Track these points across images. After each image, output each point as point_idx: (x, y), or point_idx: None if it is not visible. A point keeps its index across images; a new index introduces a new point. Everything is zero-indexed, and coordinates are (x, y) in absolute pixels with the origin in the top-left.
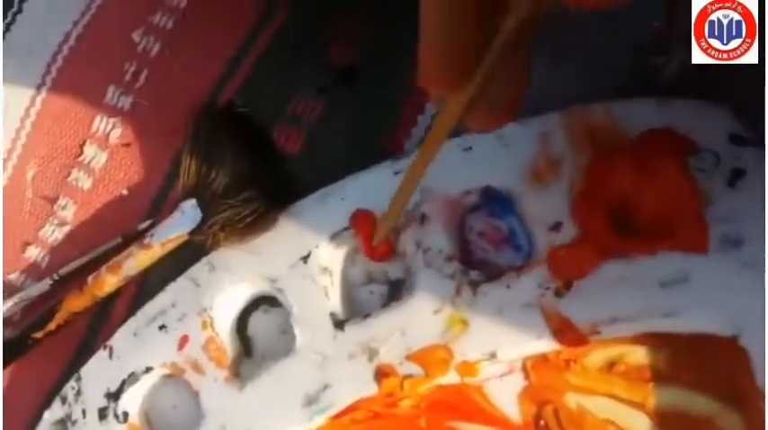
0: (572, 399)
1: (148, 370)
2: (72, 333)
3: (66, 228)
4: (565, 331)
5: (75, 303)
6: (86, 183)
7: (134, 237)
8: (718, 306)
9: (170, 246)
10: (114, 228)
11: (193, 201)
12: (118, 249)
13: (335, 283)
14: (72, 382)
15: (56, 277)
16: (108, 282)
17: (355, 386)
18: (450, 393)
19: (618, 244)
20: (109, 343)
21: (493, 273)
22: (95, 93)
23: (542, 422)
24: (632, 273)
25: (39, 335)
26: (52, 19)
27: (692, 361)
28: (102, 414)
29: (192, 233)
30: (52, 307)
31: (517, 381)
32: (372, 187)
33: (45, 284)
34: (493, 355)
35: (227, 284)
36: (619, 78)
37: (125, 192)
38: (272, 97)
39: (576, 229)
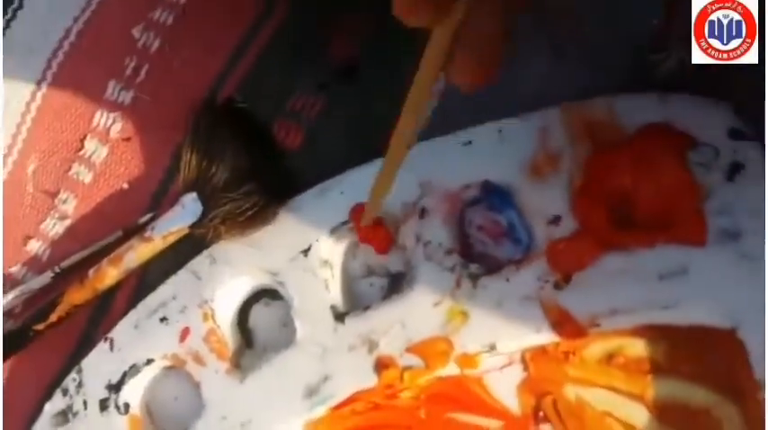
0: (571, 391)
1: (149, 361)
2: (73, 325)
3: (67, 222)
4: (564, 323)
5: (77, 296)
6: (87, 177)
7: (135, 231)
8: (716, 298)
9: (171, 239)
10: (115, 222)
11: (194, 195)
12: (119, 243)
13: (336, 276)
14: (73, 374)
15: (57, 270)
16: (109, 274)
17: (355, 377)
18: (450, 385)
19: (617, 237)
20: (110, 335)
21: (492, 267)
22: (96, 88)
23: (541, 413)
24: (631, 266)
25: (40, 327)
26: (53, 15)
27: (690, 353)
28: (104, 405)
29: (192, 226)
30: (53, 299)
31: (516, 373)
32: (371, 181)
33: (46, 277)
34: (492, 347)
35: (227, 277)
36: (618, 75)
37: (126, 186)
38: (272, 93)
39: (576, 223)
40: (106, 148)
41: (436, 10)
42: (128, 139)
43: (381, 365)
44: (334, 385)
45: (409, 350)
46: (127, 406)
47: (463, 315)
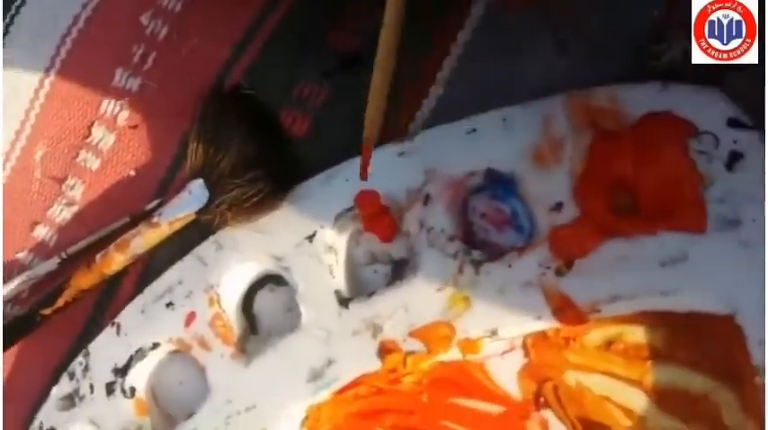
0: (571, 377)
1: (155, 346)
2: (80, 310)
3: (75, 208)
4: (565, 309)
5: (83, 280)
6: (95, 163)
7: (142, 217)
8: (715, 285)
9: (177, 225)
10: (122, 208)
11: (201, 181)
12: (126, 229)
13: (340, 262)
14: (80, 358)
15: (64, 256)
16: (116, 259)
17: (359, 362)
18: (452, 370)
19: (618, 224)
20: (117, 320)
21: (495, 253)
22: (104, 75)
23: (542, 399)
24: (632, 253)
25: (47, 311)
26: (61, 1)
27: (688, 339)
28: (110, 389)
29: (199, 212)
30: (60, 284)
31: (518, 359)
32: (376, 168)
33: (53, 263)
34: (494, 333)
35: (233, 262)
36: (620, 66)
37: (133, 172)
38: (278, 81)
39: (577, 210)
40: (113, 135)
41: None
42: (135, 127)
43: (385, 350)
44: (338, 369)
45: (412, 334)
46: (133, 389)
47: (465, 301)
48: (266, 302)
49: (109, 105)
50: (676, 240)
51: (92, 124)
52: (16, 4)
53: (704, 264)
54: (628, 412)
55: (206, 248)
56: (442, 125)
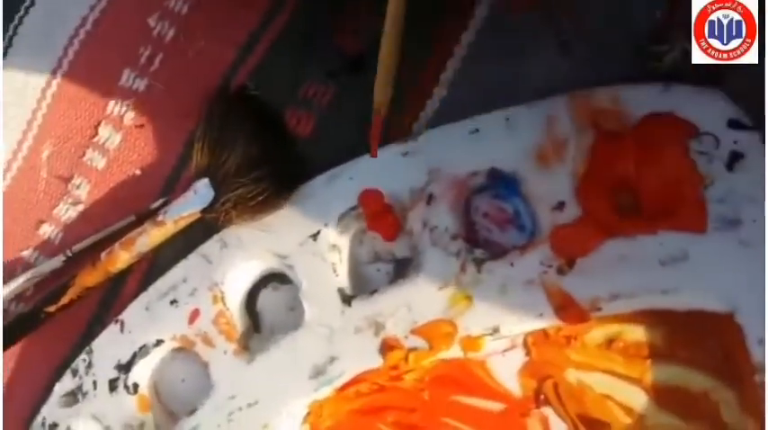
0: (572, 375)
1: (159, 343)
2: (84, 308)
3: (80, 207)
4: (566, 307)
5: (88, 278)
6: (101, 162)
7: (147, 216)
8: (715, 283)
9: (183, 224)
10: (127, 207)
11: (206, 181)
12: (131, 227)
13: (344, 260)
14: (83, 355)
15: (69, 254)
16: (121, 258)
17: (361, 359)
18: (454, 367)
19: (620, 223)
20: (120, 317)
21: (497, 252)
22: (111, 75)
23: (542, 396)
24: (633, 252)
25: (51, 309)
26: (69, 3)
27: (688, 338)
28: (113, 385)
29: (204, 211)
30: (65, 282)
31: (519, 357)
32: (380, 167)
33: (58, 261)
34: (496, 330)
35: (238, 261)
36: (622, 67)
37: (138, 172)
38: (283, 81)
39: (579, 209)
40: (120, 135)
41: None
42: (141, 126)
43: (387, 347)
44: (340, 366)
45: (414, 332)
46: (136, 386)
47: (467, 299)
48: (269, 301)
49: (116, 105)
50: (677, 240)
51: (98, 124)
52: (25, 5)
53: (704, 264)
54: (628, 410)
55: (211, 246)
56: (445, 125)
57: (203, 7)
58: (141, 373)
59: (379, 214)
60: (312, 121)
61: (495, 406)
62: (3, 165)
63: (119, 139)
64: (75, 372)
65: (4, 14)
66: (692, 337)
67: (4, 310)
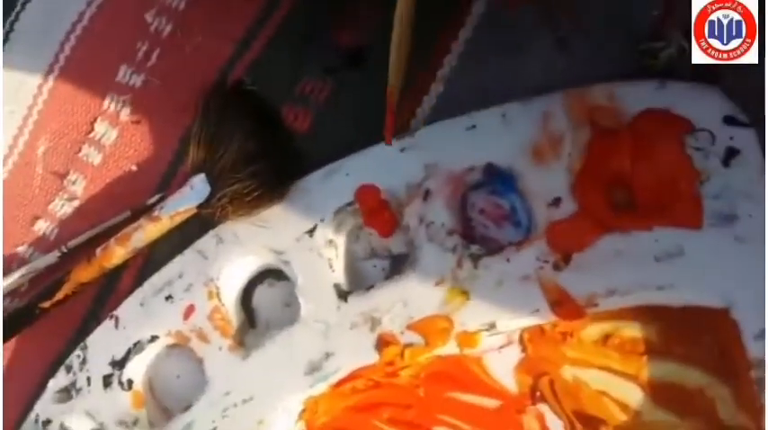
0: (568, 371)
1: (154, 338)
2: (79, 304)
3: (76, 203)
4: (562, 303)
5: (83, 274)
6: (97, 158)
7: (143, 212)
8: (710, 279)
9: (178, 219)
10: (123, 203)
11: (202, 176)
12: (126, 223)
13: (340, 256)
14: (78, 351)
15: (64, 250)
16: (116, 253)
17: (357, 354)
18: (450, 364)
19: (615, 219)
20: (115, 313)
21: (493, 248)
22: (107, 71)
23: (538, 393)
24: (629, 247)
25: (46, 305)
26: None
27: (684, 334)
28: (107, 381)
29: (200, 206)
30: (60, 277)
31: (514, 354)
32: (377, 163)
33: (53, 256)
34: (492, 326)
35: (234, 256)
36: (618, 63)
37: (134, 167)
38: (281, 77)
39: (575, 205)
40: (116, 131)
41: None
42: (137, 122)
43: (383, 342)
44: (336, 361)
45: (410, 328)
46: (130, 382)
47: (464, 294)
48: (265, 297)
49: (112, 101)
50: (672, 235)
51: (95, 119)
52: (21, 1)
53: (700, 260)
54: (624, 406)
55: (206, 242)
56: (442, 121)
57: (200, 3)
58: (136, 369)
59: (375, 210)
60: (309, 118)
61: (491, 402)
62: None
63: (115, 135)
64: (69, 368)
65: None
66: (688, 333)
67: None
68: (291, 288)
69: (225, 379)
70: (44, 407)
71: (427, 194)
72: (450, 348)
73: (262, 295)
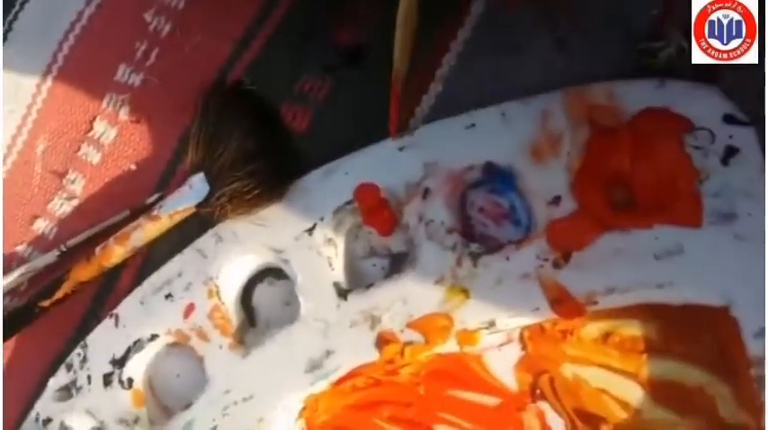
0: (568, 369)
1: (154, 337)
2: (78, 303)
3: (75, 202)
4: (562, 301)
5: (83, 273)
6: (96, 157)
7: (142, 211)
8: (710, 277)
9: (177, 218)
10: (122, 202)
11: (201, 175)
12: (125, 222)
13: (339, 254)
14: (78, 350)
15: (63, 249)
16: (115, 252)
17: (357, 352)
18: (450, 362)
19: (615, 217)
20: (115, 311)
21: (493, 246)
22: (106, 70)
23: (538, 391)
24: (628, 246)
25: (45, 304)
26: None
27: (684, 332)
28: (107, 380)
29: (199, 205)
30: (59, 276)
31: (514, 352)
32: (376, 162)
33: (52, 256)
34: (492, 324)
35: (233, 255)
36: (617, 63)
37: (133, 167)
38: (280, 76)
39: (575, 203)
40: (115, 130)
41: None
42: (136, 121)
43: (383, 340)
44: (336, 360)
45: (410, 326)
46: (130, 381)
47: (464, 293)
48: (265, 295)
49: (111, 100)
50: (672, 234)
51: (94, 119)
52: (20, 0)
53: (699, 258)
54: (624, 404)
55: (206, 241)
56: (441, 120)
57: (200, 2)
58: (136, 368)
59: (374, 209)
60: (308, 116)
61: (491, 400)
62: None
63: (114, 134)
64: (69, 367)
65: None
66: (688, 331)
67: None
68: (291, 286)
69: (225, 377)
70: (44, 405)
71: (426, 193)
72: (450, 346)
73: (261, 294)
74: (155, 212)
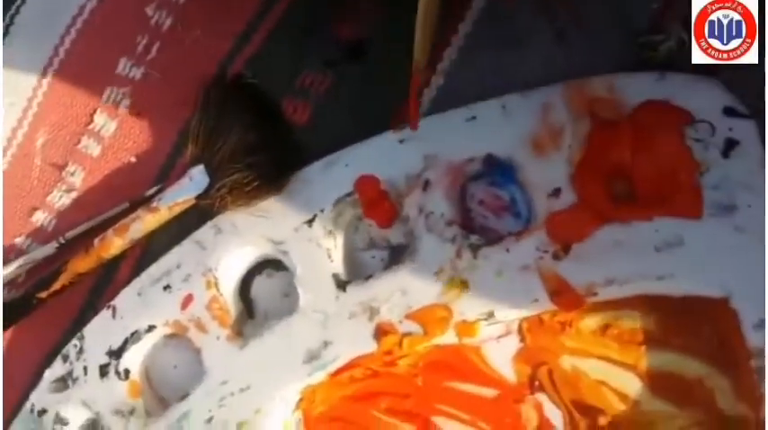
0: (567, 361)
1: (151, 328)
2: (76, 295)
3: (74, 194)
4: (562, 293)
5: (81, 264)
6: (96, 150)
7: (141, 203)
8: (710, 269)
9: (177, 210)
10: (121, 195)
11: (201, 167)
12: (124, 214)
13: (339, 246)
14: (74, 341)
15: (61, 241)
16: (114, 244)
17: (355, 344)
18: (448, 353)
19: (615, 209)
20: (113, 303)
21: (493, 238)
22: (107, 64)
23: (537, 382)
24: (628, 238)
25: (43, 295)
26: None
27: (683, 324)
28: (104, 371)
29: (199, 197)
30: (57, 268)
31: (513, 343)
32: (376, 154)
33: (51, 247)
34: (491, 315)
35: (232, 246)
36: (618, 56)
37: (133, 159)
38: (281, 70)
39: (575, 196)
40: (115, 123)
41: None
42: (137, 114)
43: (381, 331)
44: (334, 351)
45: (409, 317)
46: (127, 372)
47: (463, 284)
48: (264, 287)
49: (112, 93)
50: (672, 226)
51: (94, 111)
52: None
53: (699, 250)
54: (622, 396)
55: (205, 232)
56: (442, 112)
57: None
58: (133, 359)
59: (374, 201)
60: (309, 110)
61: (490, 392)
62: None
63: (114, 127)
64: (65, 358)
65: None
66: (687, 323)
67: None
68: (290, 278)
69: (222, 368)
70: (40, 396)
71: (427, 185)
72: (448, 337)
73: (260, 285)
74: (154, 204)
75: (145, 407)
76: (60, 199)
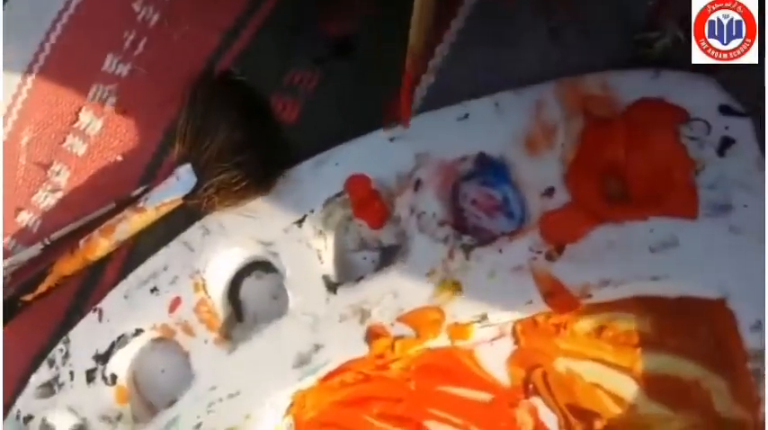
0: (561, 364)
1: (138, 332)
2: (62, 297)
3: (60, 194)
4: (556, 294)
5: (66, 266)
6: (81, 149)
7: (127, 203)
8: (705, 269)
9: (164, 210)
10: (108, 194)
11: (188, 167)
12: (111, 214)
13: (329, 247)
14: (60, 345)
15: (47, 242)
16: (100, 245)
17: (347, 347)
18: (441, 356)
19: (609, 209)
20: (99, 306)
21: (485, 239)
22: (93, 60)
23: (531, 386)
24: (623, 238)
25: (28, 298)
26: None
27: (679, 325)
28: (90, 376)
29: (186, 197)
30: (43, 270)
31: (507, 346)
32: (367, 153)
33: (35, 249)
34: (484, 317)
35: (220, 248)
36: (612, 53)
37: (119, 158)
38: (269, 68)
39: (569, 195)
40: (101, 121)
41: None
42: (123, 113)
43: (373, 335)
44: (325, 354)
45: (401, 319)
46: (114, 377)
47: (455, 285)
48: (253, 289)
49: (98, 91)
50: (667, 226)
51: (80, 109)
52: None
53: (695, 250)
54: (618, 399)
55: (192, 233)
56: (434, 110)
57: None
58: (120, 364)
59: (365, 200)
60: (298, 108)
61: (483, 396)
62: None
63: (100, 125)
64: (51, 363)
65: None
66: (683, 325)
67: None
68: (280, 280)
69: (211, 373)
70: (26, 402)
71: (418, 184)
72: (441, 340)
73: (249, 287)
74: (141, 204)
75: (132, 413)
76: (45, 199)
